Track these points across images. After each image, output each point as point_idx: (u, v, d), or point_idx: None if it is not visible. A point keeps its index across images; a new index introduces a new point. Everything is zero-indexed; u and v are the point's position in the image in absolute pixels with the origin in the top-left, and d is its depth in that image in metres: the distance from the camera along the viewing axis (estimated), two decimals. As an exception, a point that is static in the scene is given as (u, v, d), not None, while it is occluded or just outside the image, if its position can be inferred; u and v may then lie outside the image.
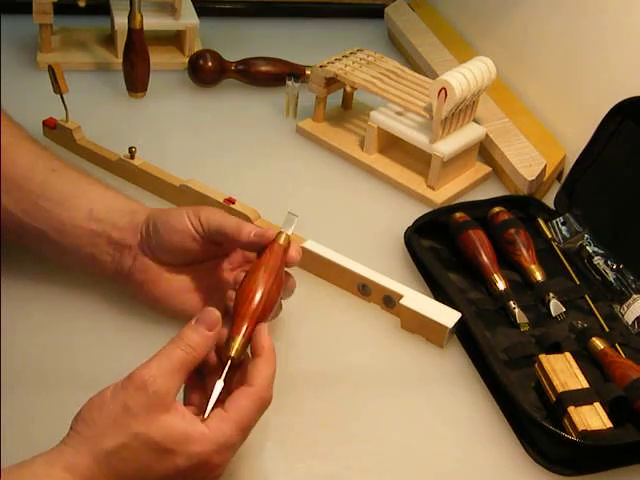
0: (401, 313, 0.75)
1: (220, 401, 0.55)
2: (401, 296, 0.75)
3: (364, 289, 0.77)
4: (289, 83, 1.03)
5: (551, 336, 0.74)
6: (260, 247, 0.65)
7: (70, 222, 0.69)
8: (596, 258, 0.83)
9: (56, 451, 0.51)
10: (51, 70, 0.85)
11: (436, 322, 0.73)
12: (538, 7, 1.06)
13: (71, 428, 0.52)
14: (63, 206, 0.69)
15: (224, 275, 0.70)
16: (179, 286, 0.70)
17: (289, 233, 0.65)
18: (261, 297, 0.60)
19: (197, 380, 0.58)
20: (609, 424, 0.63)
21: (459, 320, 0.73)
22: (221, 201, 0.81)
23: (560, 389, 0.66)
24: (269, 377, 0.57)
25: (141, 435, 0.51)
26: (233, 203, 0.81)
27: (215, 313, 0.57)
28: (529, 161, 0.94)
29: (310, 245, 0.79)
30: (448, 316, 0.73)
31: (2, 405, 0.61)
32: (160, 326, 0.71)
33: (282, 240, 0.65)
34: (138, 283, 0.70)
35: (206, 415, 0.54)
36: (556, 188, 0.93)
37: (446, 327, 0.72)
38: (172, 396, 0.53)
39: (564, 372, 0.67)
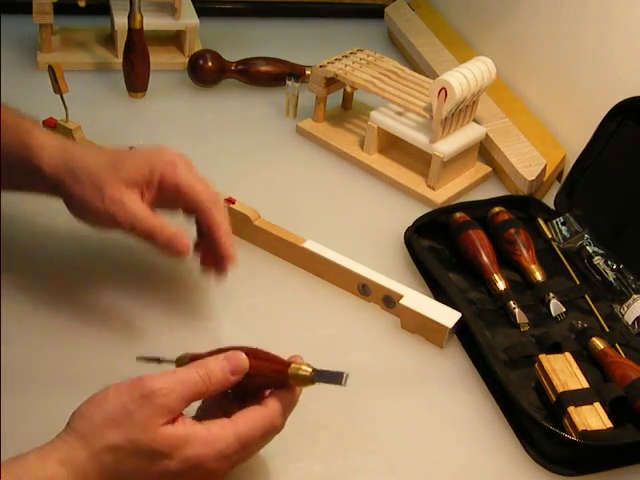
0: (401, 313, 0.75)
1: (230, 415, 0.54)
2: (401, 296, 0.75)
3: (364, 289, 0.77)
4: (289, 83, 1.03)
5: (551, 336, 0.75)
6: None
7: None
8: (596, 258, 0.83)
9: (50, 445, 0.51)
10: (51, 70, 0.85)
11: (436, 322, 0.72)
12: (538, 7, 1.06)
13: (68, 424, 0.52)
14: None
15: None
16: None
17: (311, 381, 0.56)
18: None
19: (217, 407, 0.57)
20: (609, 424, 0.63)
21: (459, 320, 0.73)
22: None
23: (560, 389, 0.66)
24: (286, 405, 0.56)
25: (137, 442, 0.50)
26: (233, 203, 0.81)
27: (244, 362, 0.55)
28: (529, 161, 0.94)
29: (310, 245, 0.79)
30: (448, 316, 0.73)
31: (2, 405, 0.61)
32: (161, 330, 0.71)
33: (297, 371, 0.56)
34: None
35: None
36: (556, 188, 0.93)
37: (446, 327, 0.72)
38: (175, 413, 0.52)
39: (564, 372, 0.67)
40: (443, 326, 0.72)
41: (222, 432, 0.52)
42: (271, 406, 0.55)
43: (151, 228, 0.65)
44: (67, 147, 0.68)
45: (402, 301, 0.74)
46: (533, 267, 0.81)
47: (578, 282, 0.82)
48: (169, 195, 0.67)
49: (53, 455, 0.50)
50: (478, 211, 0.87)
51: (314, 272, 0.80)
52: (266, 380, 0.56)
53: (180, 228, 0.65)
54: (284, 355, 0.58)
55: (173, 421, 0.52)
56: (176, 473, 0.51)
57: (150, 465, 0.51)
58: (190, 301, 0.75)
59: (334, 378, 0.55)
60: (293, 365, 0.55)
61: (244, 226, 0.81)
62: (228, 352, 0.55)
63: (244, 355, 0.55)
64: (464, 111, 0.92)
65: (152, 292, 0.75)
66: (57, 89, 0.86)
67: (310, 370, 0.55)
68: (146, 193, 0.66)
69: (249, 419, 0.54)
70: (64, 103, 0.87)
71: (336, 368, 0.71)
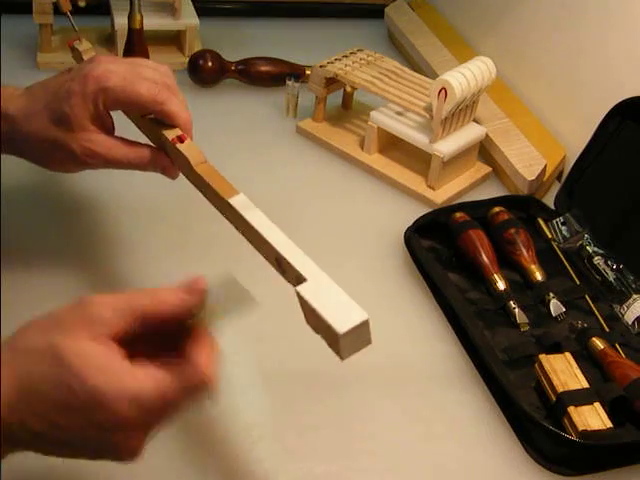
0: (302, 304, 0.54)
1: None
2: (304, 279, 0.54)
3: (279, 264, 0.59)
4: (289, 83, 1.03)
5: (551, 336, 0.75)
6: None
7: None
8: (596, 258, 0.83)
9: None
10: None
11: (327, 323, 0.51)
12: (538, 7, 1.06)
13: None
14: None
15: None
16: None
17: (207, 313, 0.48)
18: None
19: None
20: (609, 424, 0.63)
21: (362, 323, 0.51)
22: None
23: (560, 389, 0.66)
24: (208, 355, 0.49)
25: (56, 347, 0.46)
26: (182, 142, 0.69)
27: (200, 279, 0.49)
28: (529, 161, 0.94)
29: (236, 202, 0.64)
30: (346, 318, 0.50)
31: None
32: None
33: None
34: None
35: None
36: (556, 188, 0.93)
37: (337, 334, 0.50)
38: (106, 328, 0.46)
39: (564, 372, 0.67)
40: (334, 331, 0.50)
41: (143, 377, 0.46)
42: (194, 359, 0.48)
43: (130, 163, 0.68)
44: (7, 114, 0.67)
45: (299, 288, 0.53)
46: (533, 267, 0.81)
47: (578, 282, 0.82)
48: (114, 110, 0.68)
49: None
50: (478, 211, 0.87)
51: (239, 232, 0.65)
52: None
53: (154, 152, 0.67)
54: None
55: (99, 339, 0.46)
56: (82, 403, 0.45)
57: (58, 380, 0.45)
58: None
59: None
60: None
61: (186, 170, 0.71)
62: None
63: (202, 278, 0.49)
64: (464, 111, 0.92)
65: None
66: (61, 8, 0.85)
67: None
68: (105, 122, 0.67)
69: (172, 372, 0.47)
70: (72, 23, 0.86)
71: (336, 368, 0.72)
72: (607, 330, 0.76)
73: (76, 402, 0.45)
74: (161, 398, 0.47)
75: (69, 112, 0.65)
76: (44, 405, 0.46)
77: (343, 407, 0.68)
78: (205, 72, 1.07)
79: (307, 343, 0.73)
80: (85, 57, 0.84)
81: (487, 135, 0.97)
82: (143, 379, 0.46)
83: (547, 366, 0.68)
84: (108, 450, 0.48)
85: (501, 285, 0.79)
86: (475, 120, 0.96)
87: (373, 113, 0.96)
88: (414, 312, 0.78)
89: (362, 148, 0.99)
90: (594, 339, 0.73)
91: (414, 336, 0.75)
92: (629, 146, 0.85)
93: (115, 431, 0.46)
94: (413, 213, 0.86)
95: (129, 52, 1.01)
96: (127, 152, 0.68)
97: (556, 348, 0.73)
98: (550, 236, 0.87)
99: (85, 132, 0.66)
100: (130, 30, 1.00)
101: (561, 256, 0.85)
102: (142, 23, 0.99)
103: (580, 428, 0.63)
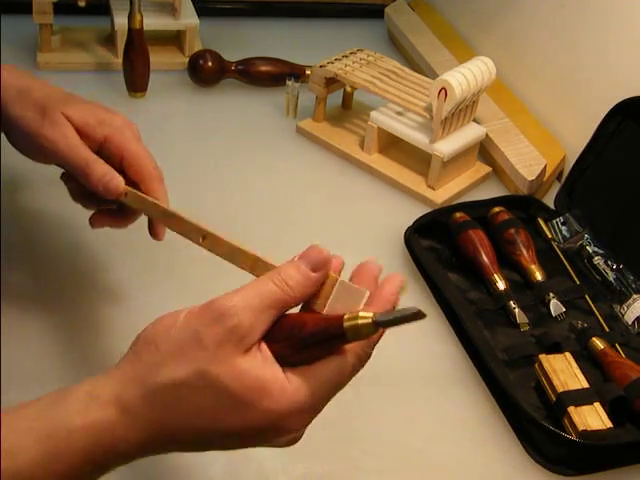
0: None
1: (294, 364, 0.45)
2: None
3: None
4: (289, 83, 1.03)
5: (551, 336, 0.75)
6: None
7: None
8: (596, 258, 0.83)
9: (104, 378, 0.45)
10: None
11: None
12: (538, 7, 1.06)
13: (131, 348, 0.46)
14: None
15: None
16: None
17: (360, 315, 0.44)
18: None
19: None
20: (609, 424, 0.63)
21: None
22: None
23: (560, 389, 0.66)
24: (365, 351, 0.47)
25: (208, 375, 0.43)
26: None
27: (322, 252, 0.47)
28: (529, 161, 0.94)
29: None
30: None
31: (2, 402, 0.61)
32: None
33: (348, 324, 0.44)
34: None
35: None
36: (556, 188, 0.93)
37: None
38: (254, 336, 0.44)
39: (564, 372, 0.67)
40: None
41: (303, 385, 0.45)
42: (350, 358, 0.46)
43: (88, 160, 0.63)
44: (28, 85, 0.66)
45: None
46: (533, 267, 0.81)
47: (578, 282, 0.82)
48: (111, 161, 0.65)
49: (107, 389, 0.44)
50: (478, 211, 0.87)
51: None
52: (319, 349, 0.45)
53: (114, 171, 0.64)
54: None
55: (251, 350, 0.44)
56: (253, 428, 0.44)
57: (221, 411, 0.43)
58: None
59: (406, 317, 0.42)
60: (347, 316, 0.44)
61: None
62: (305, 250, 0.47)
63: (321, 248, 0.47)
64: (464, 111, 0.92)
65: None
66: None
67: (370, 317, 0.43)
68: (85, 142, 0.65)
69: (329, 369, 0.45)
70: None
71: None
72: (607, 330, 0.76)
73: (249, 429, 0.44)
74: (320, 400, 0.47)
75: (78, 105, 0.65)
76: (205, 436, 0.45)
77: (343, 407, 0.67)
78: (205, 72, 1.07)
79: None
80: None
81: (487, 135, 0.97)
82: (301, 386, 0.45)
83: (547, 366, 0.68)
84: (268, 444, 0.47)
85: (501, 285, 0.79)
86: (475, 120, 0.96)
87: (373, 113, 0.96)
88: (414, 312, 0.78)
89: (362, 148, 0.99)
90: (594, 339, 0.73)
91: (414, 336, 0.75)
92: (629, 146, 0.85)
93: (281, 438, 0.46)
94: (413, 213, 0.86)
95: (129, 52, 1.01)
96: (88, 158, 0.64)
97: (556, 348, 0.73)
98: (550, 236, 0.87)
99: (65, 119, 0.64)
100: (130, 30, 0.99)
101: (561, 256, 0.85)
102: (142, 23, 0.99)
103: (580, 428, 0.63)
